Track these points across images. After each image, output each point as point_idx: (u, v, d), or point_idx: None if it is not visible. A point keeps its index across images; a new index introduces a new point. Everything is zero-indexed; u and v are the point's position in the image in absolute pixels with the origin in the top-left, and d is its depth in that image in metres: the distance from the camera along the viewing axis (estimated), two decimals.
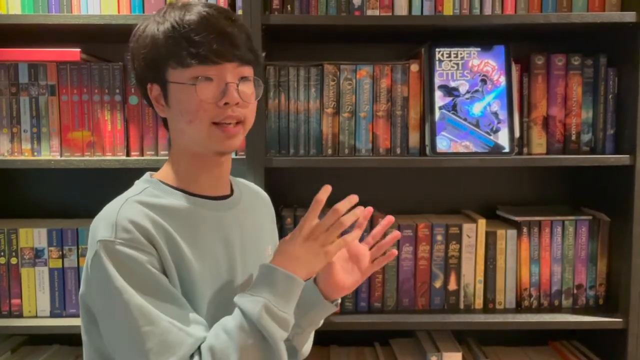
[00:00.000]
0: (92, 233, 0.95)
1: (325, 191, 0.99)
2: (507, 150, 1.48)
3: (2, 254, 1.48)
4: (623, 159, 1.45)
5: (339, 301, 1.13)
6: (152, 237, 0.93)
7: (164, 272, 0.94)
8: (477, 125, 1.48)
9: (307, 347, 1.17)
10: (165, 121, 1.05)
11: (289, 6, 1.47)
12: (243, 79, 0.98)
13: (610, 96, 1.51)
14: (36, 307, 1.50)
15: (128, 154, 1.48)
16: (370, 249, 1.12)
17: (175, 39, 0.94)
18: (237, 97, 0.96)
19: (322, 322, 1.16)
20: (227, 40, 0.95)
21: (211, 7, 0.98)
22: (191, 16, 0.95)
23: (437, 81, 1.49)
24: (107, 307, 0.92)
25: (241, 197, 1.11)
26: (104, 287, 0.91)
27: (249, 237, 1.08)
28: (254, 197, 1.18)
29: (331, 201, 1.70)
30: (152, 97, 1.01)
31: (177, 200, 1.00)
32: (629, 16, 1.41)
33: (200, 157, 1.02)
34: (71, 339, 1.60)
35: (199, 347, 0.91)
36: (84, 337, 1.01)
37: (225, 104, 0.96)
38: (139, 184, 1.03)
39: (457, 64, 1.50)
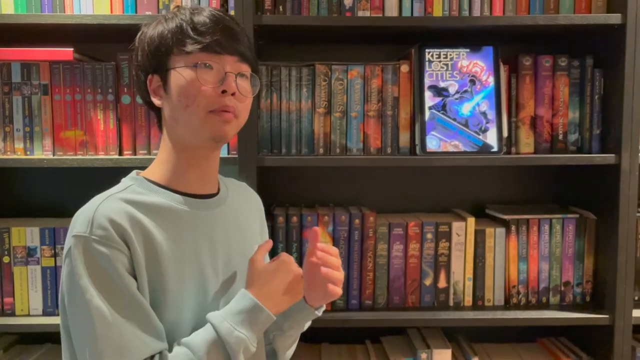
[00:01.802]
0: (70, 227, 0.96)
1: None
2: (495, 149, 1.50)
3: None
4: (609, 158, 1.47)
5: (324, 307, 1.13)
6: (128, 236, 0.94)
7: (134, 274, 0.94)
8: (466, 125, 1.51)
9: (289, 352, 1.17)
10: (158, 116, 1.06)
11: (280, 7, 1.48)
12: (241, 75, 1.01)
13: (596, 97, 1.54)
14: (28, 306, 1.50)
15: (120, 153, 1.49)
16: None
17: (182, 30, 0.98)
18: (234, 87, 0.98)
19: (306, 326, 1.16)
20: (231, 35, 0.99)
21: (219, 11, 1.03)
22: (200, 16, 0.99)
23: (427, 81, 1.51)
24: (71, 304, 0.93)
25: (228, 196, 1.11)
26: (71, 282, 0.92)
27: (234, 235, 1.09)
28: (242, 196, 1.18)
29: (324, 199, 1.73)
30: (151, 89, 1.02)
31: (160, 198, 1.01)
32: (615, 18, 1.44)
33: (189, 150, 1.02)
34: None
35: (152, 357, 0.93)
36: (63, 336, 1.00)
37: (223, 91, 0.98)
38: (124, 181, 1.04)
39: (447, 65, 1.52)
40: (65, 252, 0.94)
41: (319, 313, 1.11)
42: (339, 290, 1.03)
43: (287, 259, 1.07)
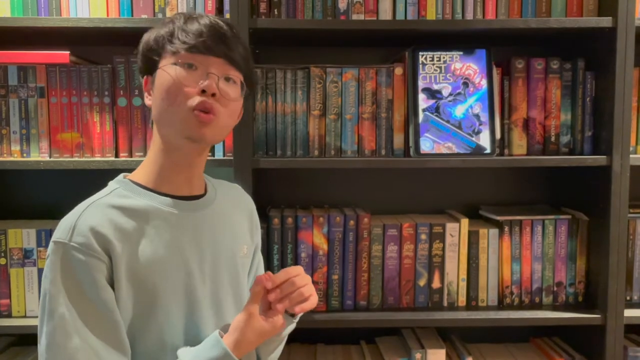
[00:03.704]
0: (54, 232, 0.97)
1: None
2: (488, 151, 1.52)
3: None
4: (600, 159, 1.49)
5: (299, 316, 1.12)
6: (111, 245, 0.95)
7: (112, 284, 0.95)
8: (459, 127, 1.52)
9: (274, 355, 1.17)
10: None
11: (275, 10, 1.50)
12: (228, 78, 1.02)
13: (588, 99, 1.55)
14: (25, 307, 1.51)
15: (117, 155, 1.50)
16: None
17: (173, 33, 1.00)
18: (214, 88, 0.98)
19: (286, 332, 1.14)
20: (219, 38, 1.00)
21: (218, 18, 1.03)
22: (193, 22, 1.00)
23: (421, 84, 1.53)
24: (40, 305, 0.94)
25: (215, 197, 1.11)
26: (43, 285, 0.94)
27: (222, 237, 1.09)
28: (232, 197, 1.18)
29: (319, 201, 1.74)
30: (145, 90, 1.05)
31: (146, 200, 1.01)
32: (606, 21, 1.46)
33: (175, 152, 1.03)
34: None
35: None
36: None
37: (203, 91, 0.98)
38: (110, 185, 1.05)
39: (440, 68, 1.53)
40: (46, 256, 0.96)
41: (296, 320, 1.12)
42: (306, 308, 1.02)
43: (283, 324, 1.03)
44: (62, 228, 0.95)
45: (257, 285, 1.01)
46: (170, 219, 1.02)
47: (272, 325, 1.00)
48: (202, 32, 0.98)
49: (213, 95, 0.98)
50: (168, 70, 0.98)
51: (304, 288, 1.02)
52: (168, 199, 1.03)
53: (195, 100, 0.97)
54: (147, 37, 1.04)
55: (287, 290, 1.01)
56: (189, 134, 0.99)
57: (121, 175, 1.07)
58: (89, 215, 0.96)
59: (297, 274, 1.03)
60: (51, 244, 0.95)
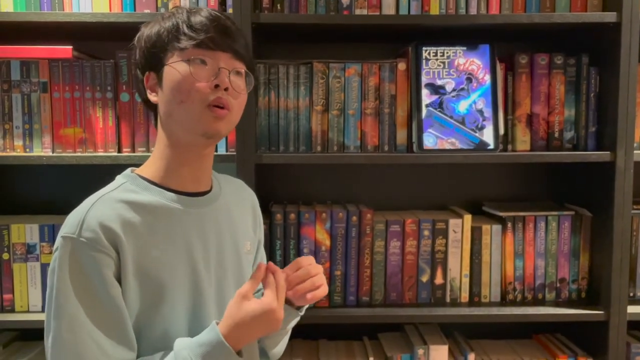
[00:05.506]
0: (62, 227, 0.97)
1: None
2: (491, 147, 1.51)
3: None
4: (604, 155, 1.48)
5: (306, 306, 1.12)
6: (119, 240, 0.95)
7: (120, 279, 0.95)
8: (462, 122, 1.52)
9: (278, 348, 1.18)
10: (155, 115, 1.07)
11: (278, 5, 1.49)
12: (236, 72, 1.02)
13: (592, 95, 1.55)
14: (28, 302, 1.51)
15: (119, 151, 1.50)
16: None
17: (178, 28, 0.99)
18: (227, 82, 0.99)
19: (291, 324, 1.13)
20: (225, 32, 1.00)
21: (217, 11, 1.04)
22: (196, 16, 1.00)
23: (424, 79, 1.52)
24: (47, 300, 0.95)
25: (220, 193, 1.12)
26: (50, 280, 0.94)
27: (226, 232, 1.09)
28: (236, 192, 1.18)
29: (322, 197, 1.74)
30: (147, 87, 1.04)
31: (153, 196, 1.01)
32: (610, 16, 1.45)
33: (183, 147, 1.03)
34: None
35: None
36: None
37: (216, 86, 0.98)
38: (118, 179, 1.05)
39: (444, 63, 1.53)
40: (53, 250, 0.96)
41: (302, 313, 1.13)
42: (319, 295, 1.05)
43: (274, 307, 0.98)
44: (71, 222, 0.95)
45: (259, 270, 1.00)
46: (176, 215, 1.02)
47: (261, 306, 0.96)
48: (208, 27, 0.99)
49: (226, 89, 0.99)
50: (178, 68, 0.98)
51: (315, 277, 1.05)
52: (174, 195, 1.03)
53: (211, 96, 0.98)
54: (149, 33, 1.02)
55: (300, 277, 1.04)
56: (205, 130, 1.00)
57: (129, 170, 1.07)
58: (98, 210, 0.96)
59: (309, 263, 1.06)
60: (59, 239, 0.95)
